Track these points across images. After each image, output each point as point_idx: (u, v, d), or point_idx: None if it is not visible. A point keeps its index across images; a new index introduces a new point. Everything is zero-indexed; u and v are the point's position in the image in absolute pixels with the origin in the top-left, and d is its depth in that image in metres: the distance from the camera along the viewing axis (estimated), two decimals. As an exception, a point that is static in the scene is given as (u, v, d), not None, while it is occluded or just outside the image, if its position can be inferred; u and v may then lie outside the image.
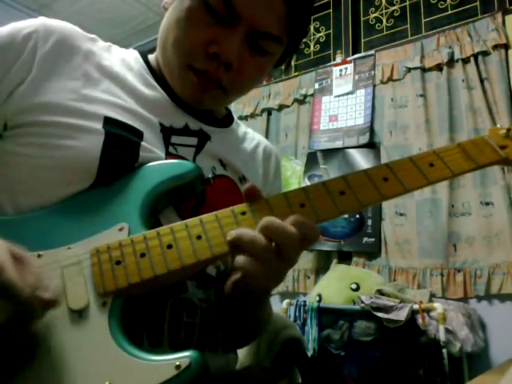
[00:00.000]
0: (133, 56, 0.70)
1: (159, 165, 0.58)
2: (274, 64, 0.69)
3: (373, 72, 2.70)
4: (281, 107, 3.07)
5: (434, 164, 0.56)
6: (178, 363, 0.42)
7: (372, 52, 2.76)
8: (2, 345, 0.40)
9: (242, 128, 0.81)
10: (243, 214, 0.51)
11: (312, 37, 3.14)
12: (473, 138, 0.60)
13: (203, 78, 0.62)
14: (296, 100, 3.00)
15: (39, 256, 0.49)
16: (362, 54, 2.81)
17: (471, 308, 2.11)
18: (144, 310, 0.55)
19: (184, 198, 0.60)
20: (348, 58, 2.85)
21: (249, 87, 0.69)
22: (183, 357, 0.42)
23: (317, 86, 2.92)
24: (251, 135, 0.81)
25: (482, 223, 2.18)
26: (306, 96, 2.96)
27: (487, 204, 2.19)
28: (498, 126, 0.64)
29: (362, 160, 2.61)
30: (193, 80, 0.62)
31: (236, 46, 0.59)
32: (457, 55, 2.38)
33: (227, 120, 0.76)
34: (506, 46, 2.28)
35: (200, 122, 0.68)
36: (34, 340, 0.42)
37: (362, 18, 2.94)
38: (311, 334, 1.99)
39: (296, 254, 0.49)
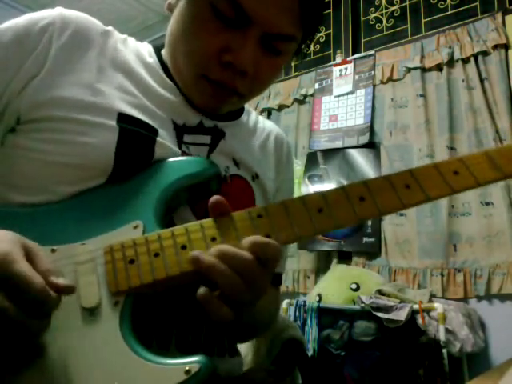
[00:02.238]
0: (147, 50, 0.68)
1: (176, 162, 0.57)
2: (289, 60, 0.67)
3: (373, 72, 2.70)
4: (281, 107, 3.07)
5: (458, 172, 0.53)
6: (187, 368, 0.41)
7: (372, 52, 2.76)
8: (14, 337, 0.39)
9: (253, 117, 0.79)
10: (260, 216, 0.50)
11: (312, 37, 3.14)
12: (499, 147, 0.56)
13: (219, 87, 0.60)
14: (296, 100, 3.00)
15: (53, 251, 0.48)
16: (362, 53, 2.81)
17: (471, 308, 2.11)
18: (154, 312, 0.54)
19: (199, 196, 0.59)
20: (348, 58, 2.85)
21: (265, 88, 0.68)
22: (193, 361, 0.42)
23: (317, 86, 2.92)
24: (262, 124, 0.79)
25: (482, 223, 2.18)
26: (306, 96, 2.96)
27: (487, 204, 2.19)
28: None
29: (362, 160, 2.61)
30: (208, 90, 0.61)
31: (250, 52, 0.57)
32: (457, 55, 2.38)
33: (238, 110, 0.74)
34: (506, 46, 2.28)
35: (214, 120, 0.67)
36: (44, 334, 0.42)
37: (362, 18, 2.94)
38: (311, 334, 1.99)
39: (259, 279, 0.46)
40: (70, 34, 0.59)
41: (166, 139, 0.59)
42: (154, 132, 0.58)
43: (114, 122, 0.56)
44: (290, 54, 0.65)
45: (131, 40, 0.68)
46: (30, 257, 0.41)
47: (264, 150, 0.76)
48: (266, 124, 0.81)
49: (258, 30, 0.56)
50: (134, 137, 0.56)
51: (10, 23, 0.58)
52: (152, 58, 0.67)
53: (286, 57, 0.64)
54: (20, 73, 0.55)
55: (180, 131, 0.63)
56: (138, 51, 0.66)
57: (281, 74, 0.68)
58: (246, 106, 0.78)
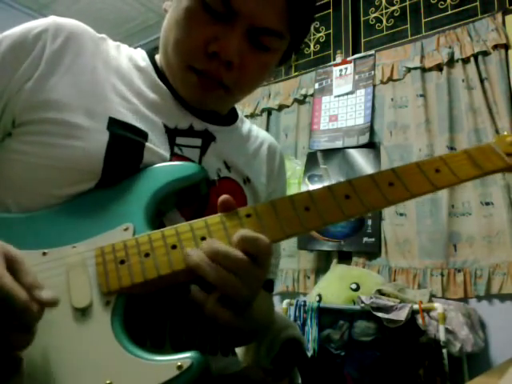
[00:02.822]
0: (140, 55, 0.69)
1: (165, 166, 0.59)
2: (279, 60, 0.67)
3: (373, 72, 2.70)
4: (281, 107, 3.07)
5: (440, 170, 0.56)
6: (179, 363, 0.42)
7: (372, 52, 2.76)
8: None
9: (247, 125, 0.80)
10: (248, 216, 0.51)
11: (312, 37, 3.14)
12: (479, 145, 0.60)
13: (204, 78, 0.61)
14: (296, 100, 3.00)
15: (44, 254, 0.49)
16: (362, 53, 2.81)
17: (471, 308, 2.11)
18: (147, 311, 0.55)
19: (189, 199, 0.60)
20: (348, 58, 2.85)
21: (253, 85, 0.68)
22: (185, 357, 0.42)
23: (317, 86, 2.92)
24: (255, 133, 0.80)
25: (482, 223, 2.18)
26: (306, 96, 2.96)
27: (487, 204, 2.19)
28: (506, 132, 0.64)
29: (362, 160, 2.61)
30: (194, 80, 0.62)
31: (235, 43, 0.58)
32: (457, 55, 2.38)
33: (231, 117, 0.75)
34: (506, 46, 2.28)
35: (205, 123, 0.68)
36: (30, 340, 0.41)
37: (362, 18, 2.94)
38: (311, 333, 1.99)
39: (253, 274, 0.47)
40: (62, 39, 0.60)
41: (156, 143, 0.60)
42: (144, 136, 0.59)
43: (104, 127, 0.57)
44: (279, 53, 0.65)
45: (124, 47, 0.70)
46: (13, 267, 0.40)
47: (257, 157, 0.77)
48: (259, 133, 0.81)
49: (244, 22, 0.58)
50: (124, 142, 0.57)
51: (7, 33, 0.60)
52: (145, 62, 0.68)
53: (274, 55, 0.64)
54: (15, 77, 0.57)
55: (172, 134, 0.64)
56: (131, 56, 0.68)
57: (270, 73, 0.68)
58: (240, 114, 0.79)
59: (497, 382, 0.55)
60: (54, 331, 0.44)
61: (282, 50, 0.66)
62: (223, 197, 0.51)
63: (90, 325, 0.45)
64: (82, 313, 0.46)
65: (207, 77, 0.61)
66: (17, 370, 0.41)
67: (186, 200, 0.60)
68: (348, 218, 0.52)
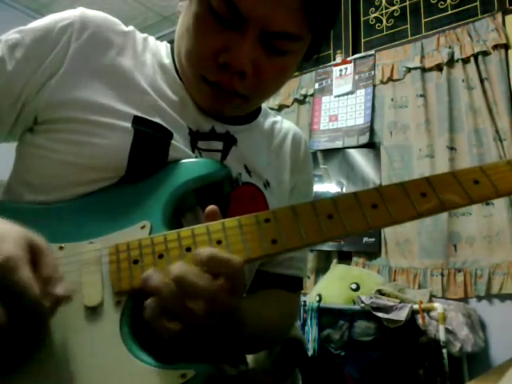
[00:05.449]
0: (165, 51, 0.67)
1: (187, 163, 0.58)
2: (299, 60, 0.63)
3: (373, 72, 2.70)
4: (281, 107, 3.06)
5: (479, 181, 0.50)
6: (183, 372, 0.41)
7: (372, 52, 2.76)
8: (10, 339, 0.39)
9: (270, 118, 0.77)
10: (267, 221, 0.49)
11: (312, 37, 3.13)
12: None
13: (218, 89, 0.59)
14: (296, 100, 3.00)
15: (61, 248, 0.49)
16: (362, 54, 2.81)
17: (471, 308, 2.11)
18: None
19: (211, 198, 0.58)
20: (348, 58, 2.85)
21: (274, 89, 0.65)
22: (189, 366, 0.42)
23: (317, 86, 2.92)
24: (279, 125, 0.77)
25: (483, 223, 2.18)
26: (306, 96, 2.96)
27: (487, 204, 2.18)
28: None
29: (362, 160, 2.61)
30: (208, 92, 0.60)
31: (247, 52, 0.54)
32: (457, 55, 2.38)
33: (253, 112, 0.72)
34: (506, 46, 2.27)
35: (226, 124, 0.66)
36: (43, 333, 0.42)
37: (362, 18, 2.94)
38: (311, 333, 1.99)
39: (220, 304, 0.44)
40: (88, 34, 0.59)
41: (180, 143, 0.59)
42: (169, 135, 0.58)
43: (129, 124, 0.56)
44: (298, 54, 0.61)
45: (151, 39, 0.68)
46: (35, 257, 0.40)
47: (280, 153, 0.74)
48: (283, 124, 0.78)
49: (254, 29, 0.54)
50: (149, 139, 0.56)
51: (34, 24, 0.59)
52: (168, 60, 0.66)
53: (293, 56, 0.60)
54: (38, 73, 0.56)
55: (194, 137, 0.63)
56: (156, 52, 0.66)
57: (292, 73, 0.64)
58: (264, 106, 0.76)
59: (497, 382, 0.55)
60: (65, 328, 0.44)
61: (303, 50, 0.61)
62: (210, 207, 0.49)
63: (99, 324, 0.45)
64: (93, 311, 0.45)
65: (220, 88, 0.59)
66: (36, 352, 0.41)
67: (209, 198, 0.58)
68: (373, 228, 0.48)
